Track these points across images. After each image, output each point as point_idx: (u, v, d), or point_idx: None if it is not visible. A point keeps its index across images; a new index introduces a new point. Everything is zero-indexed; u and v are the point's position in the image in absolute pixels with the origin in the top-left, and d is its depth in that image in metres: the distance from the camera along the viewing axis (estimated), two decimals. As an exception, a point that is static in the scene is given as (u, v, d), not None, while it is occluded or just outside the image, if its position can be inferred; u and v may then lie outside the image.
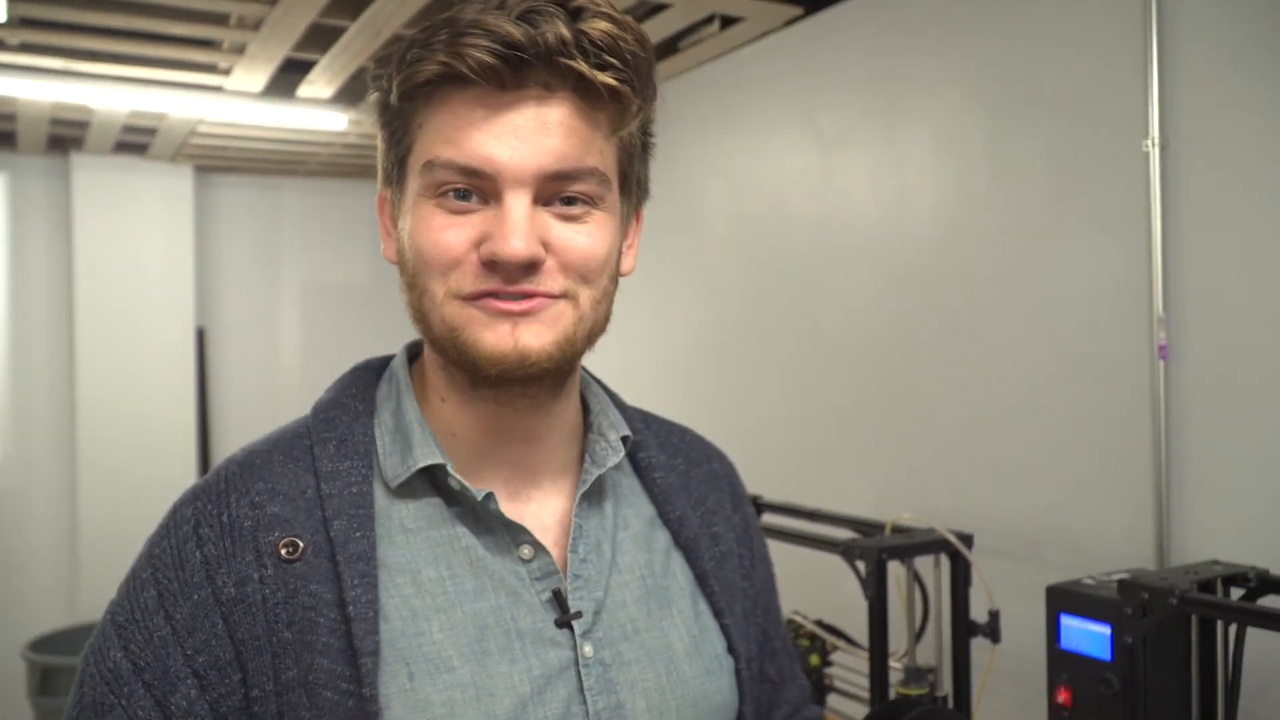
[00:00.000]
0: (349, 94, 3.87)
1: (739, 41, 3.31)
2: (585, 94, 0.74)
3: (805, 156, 3.10)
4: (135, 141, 4.65)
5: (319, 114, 3.92)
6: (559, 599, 0.78)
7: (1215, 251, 2.01)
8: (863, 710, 2.22)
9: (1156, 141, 2.08)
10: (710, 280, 3.44)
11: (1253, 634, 1.63)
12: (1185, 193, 2.05)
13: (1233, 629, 1.63)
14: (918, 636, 2.07)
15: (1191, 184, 2.04)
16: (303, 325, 5.59)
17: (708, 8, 3.01)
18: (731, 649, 0.86)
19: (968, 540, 2.03)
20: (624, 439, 0.86)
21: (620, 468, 0.88)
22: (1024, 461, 2.40)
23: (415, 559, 0.76)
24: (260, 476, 0.77)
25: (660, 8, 2.98)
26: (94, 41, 3.18)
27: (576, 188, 0.75)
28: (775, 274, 3.21)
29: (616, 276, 0.81)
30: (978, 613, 2.05)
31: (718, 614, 0.87)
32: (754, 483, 2.75)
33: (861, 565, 1.95)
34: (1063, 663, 1.70)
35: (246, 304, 5.44)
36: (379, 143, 0.81)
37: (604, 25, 0.73)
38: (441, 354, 0.78)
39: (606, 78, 0.73)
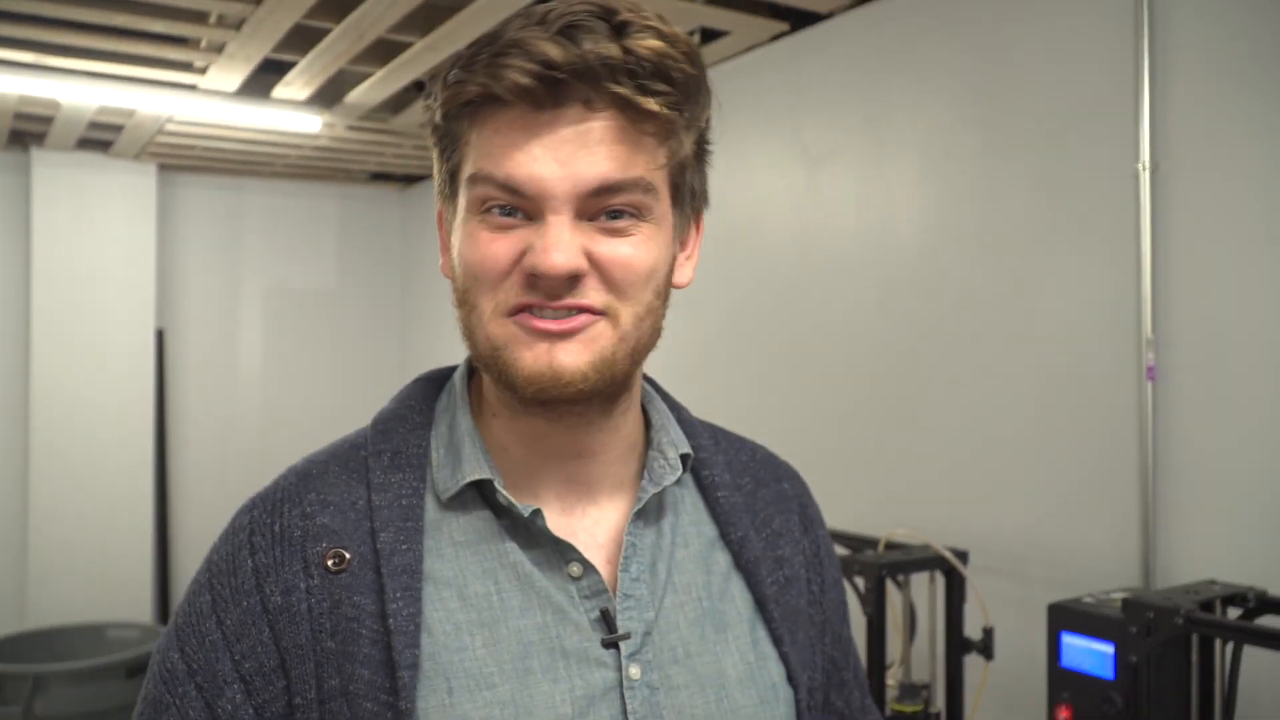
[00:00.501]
0: (325, 96, 3.82)
1: (724, 55, 3.32)
2: (630, 109, 0.72)
3: (791, 172, 3.11)
4: (99, 138, 4.54)
5: (294, 115, 3.87)
6: (607, 619, 0.76)
7: (1204, 274, 2.05)
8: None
9: (1147, 165, 2.12)
10: (695, 295, 3.42)
11: (1249, 652, 1.66)
12: (1175, 216, 2.10)
13: (1230, 647, 1.66)
14: (910, 652, 2.08)
15: (1182, 207, 2.09)
16: (264, 329, 5.50)
17: (694, 21, 3.02)
18: (791, 679, 0.83)
19: (963, 557, 2.05)
20: (684, 456, 0.84)
21: (683, 484, 0.86)
22: (1012, 479, 2.43)
23: (463, 573, 0.76)
24: (314, 487, 0.78)
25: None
26: (68, 36, 3.11)
27: (621, 200, 0.73)
28: (760, 289, 3.22)
29: (666, 290, 0.79)
30: (970, 629, 2.06)
31: (777, 641, 0.84)
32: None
33: (860, 581, 1.95)
34: (1064, 681, 1.72)
35: (208, 306, 5.33)
36: (433, 159, 0.81)
37: (651, 43, 0.71)
38: (485, 371, 0.78)
39: (653, 104, 0.72)
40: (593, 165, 0.71)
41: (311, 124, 3.97)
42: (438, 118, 0.76)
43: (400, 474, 0.78)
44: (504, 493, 0.76)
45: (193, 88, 3.64)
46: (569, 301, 0.72)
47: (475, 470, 0.77)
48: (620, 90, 0.70)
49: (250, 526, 0.78)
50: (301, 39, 3.19)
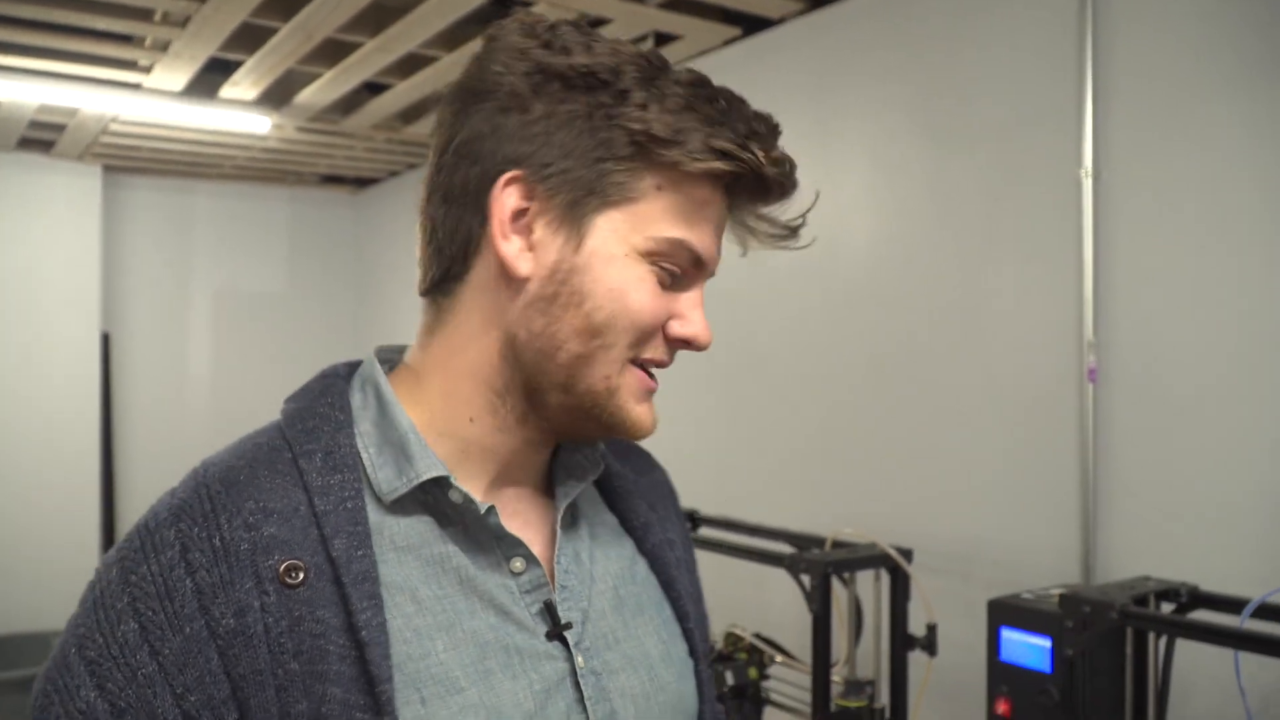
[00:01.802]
0: (273, 96, 3.78)
1: (676, 60, 3.33)
2: (745, 211, 0.82)
3: (741, 175, 3.13)
4: (41, 138, 4.45)
5: (242, 116, 3.82)
6: (551, 611, 0.77)
7: (1144, 278, 2.10)
8: (801, 724, 2.24)
9: (1089, 171, 2.16)
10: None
11: (1181, 646, 1.70)
12: (1116, 221, 2.14)
13: (1163, 641, 1.69)
14: (855, 648, 2.10)
15: (1122, 212, 2.13)
16: (214, 334, 5.42)
17: (647, 25, 3.03)
18: (693, 652, 0.89)
19: (908, 555, 2.07)
20: (599, 452, 0.87)
21: None
22: (956, 479, 2.47)
23: (410, 577, 0.73)
24: (249, 494, 0.71)
25: (599, 22, 2.98)
26: (7, 32, 3.05)
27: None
28: (711, 292, 3.23)
29: None
30: (914, 626, 2.09)
31: (682, 619, 0.89)
32: (691, 498, 2.77)
33: (806, 579, 1.97)
34: (1003, 675, 1.75)
35: (155, 309, 5.25)
36: (520, 124, 0.74)
37: (794, 178, 0.80)
38: (559, 399, 0.77)
39: (791, 240, 0.84)
40: (719, 255, 0.82)
41: (260, 125, 3.93)
42: (628, 140, 0.73)
43: (339, 475, 0.74)
44: (460, 489, 0.75)
45: (137, 87, 3.59)
46: (668, 364, 0.82)
47: (429, 468, 0.75)
48: (771, 233, 0.82)
49: (180, 542, 0.69)
50: (249, 38, 3.15)
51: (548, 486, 0.85)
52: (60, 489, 4.72)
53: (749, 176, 0.76)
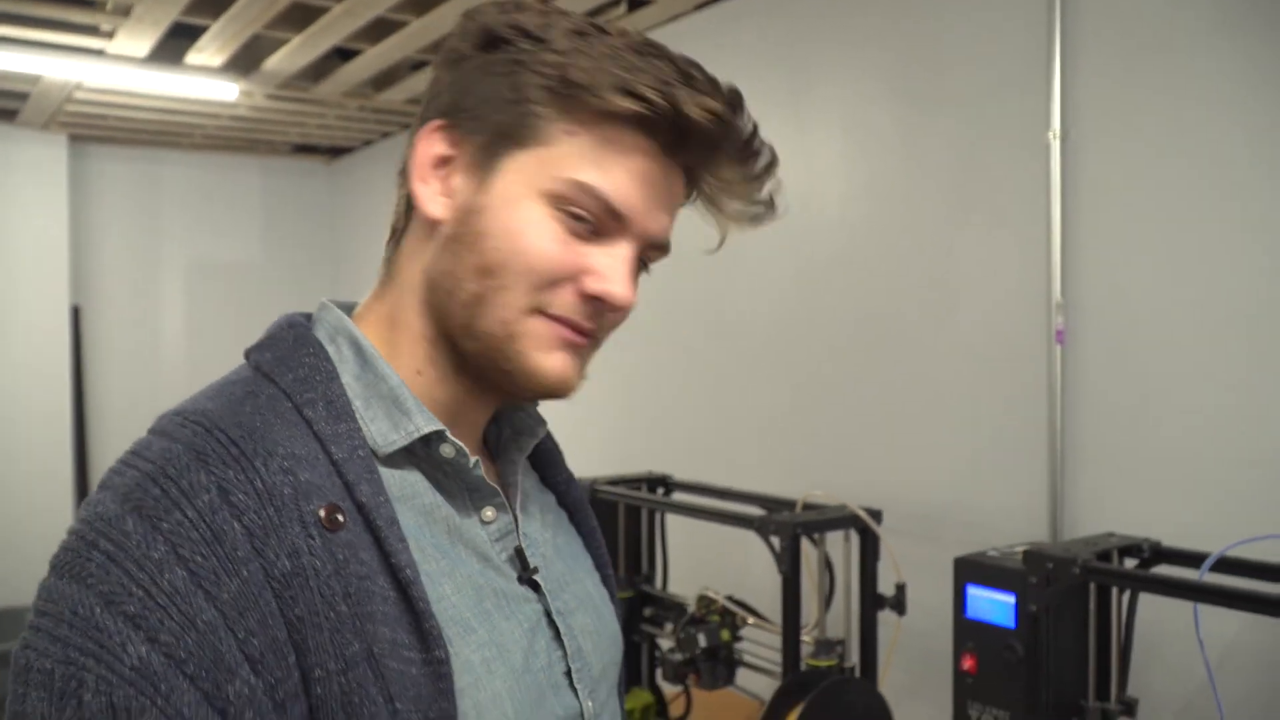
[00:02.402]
0: (241, 63, 3.73)
1: (647, 25, 3.30)
2: (692, 184, 0.80)
3: (713, 140, 3.12)
4: (4, 107, 4.38)
5: (208, 83, 3.77)
6: (521, 556, 0.81)
7: (1112, 240, 2.11)
8: (773, 683, 2.26)
9: (1058, 133, 2.16)
10: (616, 262, 3.43)
11: (1143, 600, 1.72)
12: (1084, 183, 2.15)
13: (1126, 596, 1.72)
14: (825, 609, 2.12)
15: (1090, 174, 2.14)
16: (186, 304, 5.38)
17: (618, -12, 3.01)
18: (612, 597, 0.95)
19: (877, 516, 2.08)
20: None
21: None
22: (926, 441, 2.48)
23: (409, 526, 0.74)
24: (277, 440, 0.69)
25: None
26: (-36, -4, 2.99)
27: (655, 255, 0.82)
28: (683, 259, 3.22)
29: None
30: (884, 586, 2.11)
31: (601, 566, 0.94)
32: (664, 463, 2.79)
33: (776, 541, 1.98)
34: (969, 632, 1.77)
35: (126, 281, 5.19)
36: (465, 87, 0.76)
37: (767, 165, 0.79)
38: (463, 348, 0.76)
39: (764, 218, 0.83)
40: (665, 223, 0.79)
41: (228, 92, 3.87)
42: (546, 99, 0.73)
43: (344, 424, 0.73)
44: (454, 442, 0.77)
45: (100, 53, 3.53)
46: (594, 328, 0.78)
47: (427, 423, 0.76)
48: (732, 186, 0.80)
49: (217, 485, 0.66)
50: (213, 2, 3.10)
51: (486, 444, 0.88)
52: (33, 463, 4.69)
53: (669, 123, 0.72)
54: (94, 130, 4.83)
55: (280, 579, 0.65)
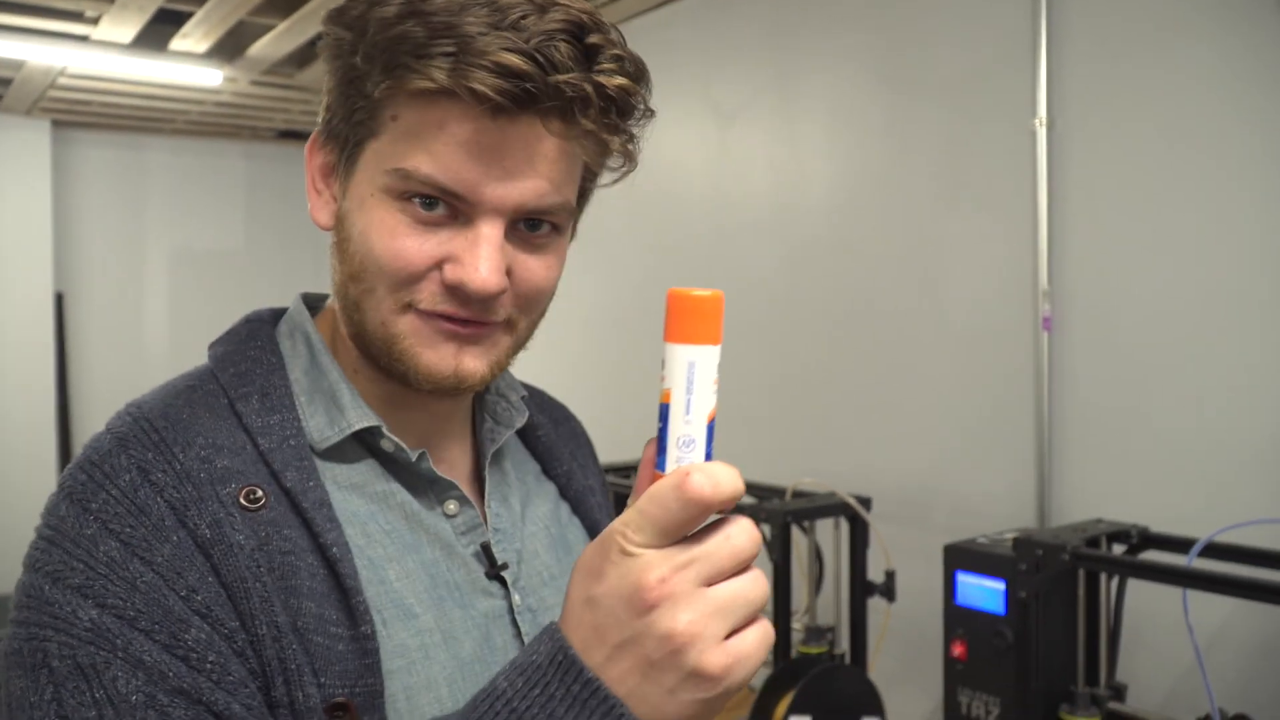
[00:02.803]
0: (225, 49, 3.70)
1: (635, 11, 3.29)
2: (573, 131, 0.70)
3: (702, 128, 3.11)
4: (-14, 92, 4.34)
5: (193, 69, 3.74)
6: (487, 551, 0.80)
7: (1097, 228, 2.12)
8: (763, 671, 2.27)
9: (1044, 121, 2.17)
10: (607, 253, 3.43)
11: (1132, 586, 1.74)
12: (1070, 171, 2.15)
13: (1115, 582, 1.73)
14: (815, 596, 2.13)
15: (1076, 162, 2.14)
16: (169, 290, 5.34)
17: (606, -26, 2.99)
18: None
19: (866, 503, 2.09)
20: (522, 398, 0.88)
21: None
22: (914, 427, 2.49)
23: (358, 512, 0.75)
24: (197, 430, 0.71)
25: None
26: (-55, -20, 2.95)
27: (548, 218, 0.73)
28: (672, 245, 3.23)
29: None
30: (874, 573, 2.12)
31: None
32: (652, 451, 2.78)
33: (767, 529, 1.99)
34: (958, 618, 1.78)
35: (109, 268, 5.16)
36: (330, 98, 0.74)
37: (621, 81, 0.69)
38: (367, 351, 0.75)
39: (616, 143, 0.72)
40: (535, 185, 0.70)
41: (212, 78, 3.84)
42: (371, 88, 0.69)
43: (277, 415, 0.74)
44: (391, 438, 0.76)
45: (85, 39, 3.50)
46: (479, 317, 0.72)
47: (361, 419, 0.76)
48: (589, 126, 0.69)
49: (136, 466, 0.68)
50: (198, -13, 3.08)
51: (476, 433, 0.87)
52: (16, 451, 4.66)
53: (465, 93, 0.66)
54: (77, 116, 4.79)
55: (205, 546, 0.66)
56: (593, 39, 0.69)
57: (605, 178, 0.80)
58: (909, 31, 2.51)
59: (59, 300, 4.91)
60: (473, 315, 0.72)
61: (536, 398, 0.98)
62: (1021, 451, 2.23)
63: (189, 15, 3.31)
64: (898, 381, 2.53)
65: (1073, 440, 2.16)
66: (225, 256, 5.51)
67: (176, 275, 5.35)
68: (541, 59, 0.66)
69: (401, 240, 0.70)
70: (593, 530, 0.92)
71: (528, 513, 0.87)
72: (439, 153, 0.69)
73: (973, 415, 2.36)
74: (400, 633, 0.72)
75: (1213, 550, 1.64)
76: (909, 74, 2.52)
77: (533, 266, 0.74)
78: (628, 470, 2.64)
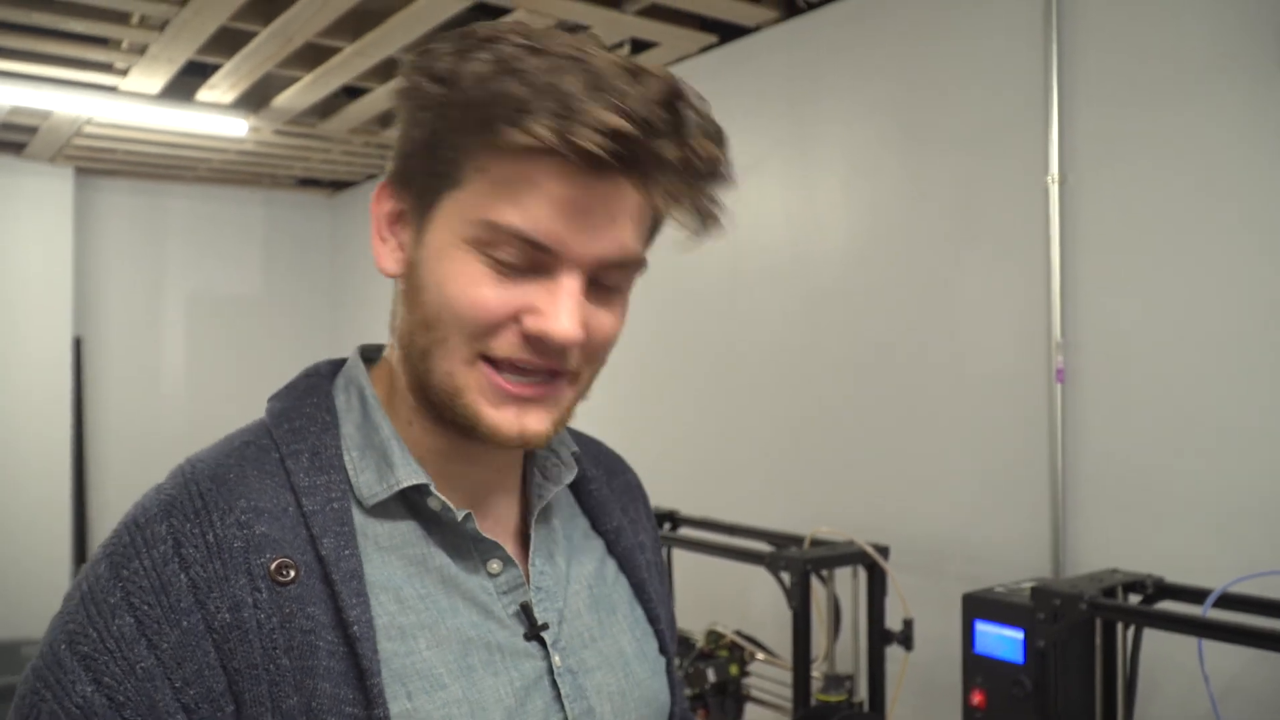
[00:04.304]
0: (250, 99, 3.79)
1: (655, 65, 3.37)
2: (656, 191, 0.71)
3: (718, 180, 3.17)
4: (12, 140, 4.43)
5: (219, 119, 3.82)
6: (527, 611, 0.79)
7: (1110, 281, 2.16)
8: (782, 718, 2.28)
9: (1056, 177, 2.22)
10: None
11: (1148, 635, 1.76)
12: (1082, 226, 2.20)
13: (1131, 631, 1.75)
14: (834, 644, 2.15)
15: (1088, 217, 2.20)
16: (188, 337, 5.40)
17: (624, 32, 3.07)
18: (664, 650, 0.91)
19: (884, 552, 2.12)
20: (573, 454, 0.87)
21: None
22: (930, 478, 2.52)
23: (393, 577, 0.75)
24: (240, 493, 0.73)
25: (575, 28, 3.01)
26: (-17, 35, 3.04)
27: (623, 275, 0.75)
28: (690, 294, 3.28)
29: None
30: (891, 621, 2.14)
31: (653, 620, 0.91)
32: (671, 498, 2.82)
33: (786, 577, 2.01)
34: (977, 666, 1.80)
35: (129, 313, 5.22)
36: (403, 143, 0.75)
37: (711, 150, 0.72)
38: (427, 400, 0.76)
39: (707, 206, 0.73)
40: (616, 240, 0.72)
41: (238, 128, 3.93)
42: (466, 142, 0.70)
43: (325, 476, 0.75)
44: (439, 497, 0.77)
45: (113, 89, 3.58)
46: (555, 365, 0.73)
47: (410, 476, 0.76)
48: (675, 188, 0.71)
49: (173, 537, 0.70)
50: (227, 41, 3.16)
51: (525, 488, 0.87)
52: (31, 497, 4.68)
53: (569, 149, 0.67)
54: (100, 163, 4.88)
55: (220, 630, 0.68)
56: (683, 107, 0.71)
57: (690, 238, 0.79)
58: (922, 90, 2.58)
59: (77, 345, 4.96)
60: (546, 364, 0.73)
61: (592, 449, 0.98)
62: (1036, 501, 2.26)
63: (216, 67, 3.40)
64: (914, 431, 2.57)
65: (1087, 490, 2.19)
66: (243, 302, 5.57)
67: (194, 320, 5.41)
68: (642, 122, 0.68)
69: (482, 290, 0.71)
70: (638, 589, 0.91)
71: (572, 571, 0.86)
72: (530, 207, 0.70)
73: (988, 465, 2.39)
74: (426, 705, 0.72)
75: (1227, 601, 1.67)
76: (924, 127, 2.58)
77: (604, 319, 0.75)
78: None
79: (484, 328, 0.72)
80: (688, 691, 2.25)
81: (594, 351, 0.76)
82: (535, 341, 0.72)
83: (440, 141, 0.72)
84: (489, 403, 0.73)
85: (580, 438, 0.97)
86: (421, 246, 0.74)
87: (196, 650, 0.67)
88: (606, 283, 0.75)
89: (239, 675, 0.68)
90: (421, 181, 0.74)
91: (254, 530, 0.71)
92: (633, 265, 0.75)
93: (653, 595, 0.91)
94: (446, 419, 0.75)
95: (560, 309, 0.71)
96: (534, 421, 0.74)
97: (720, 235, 0.77)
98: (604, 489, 0.94)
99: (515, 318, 0.72)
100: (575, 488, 0.92)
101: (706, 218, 0.75)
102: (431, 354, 0.74)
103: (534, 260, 0.71)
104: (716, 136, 0.73)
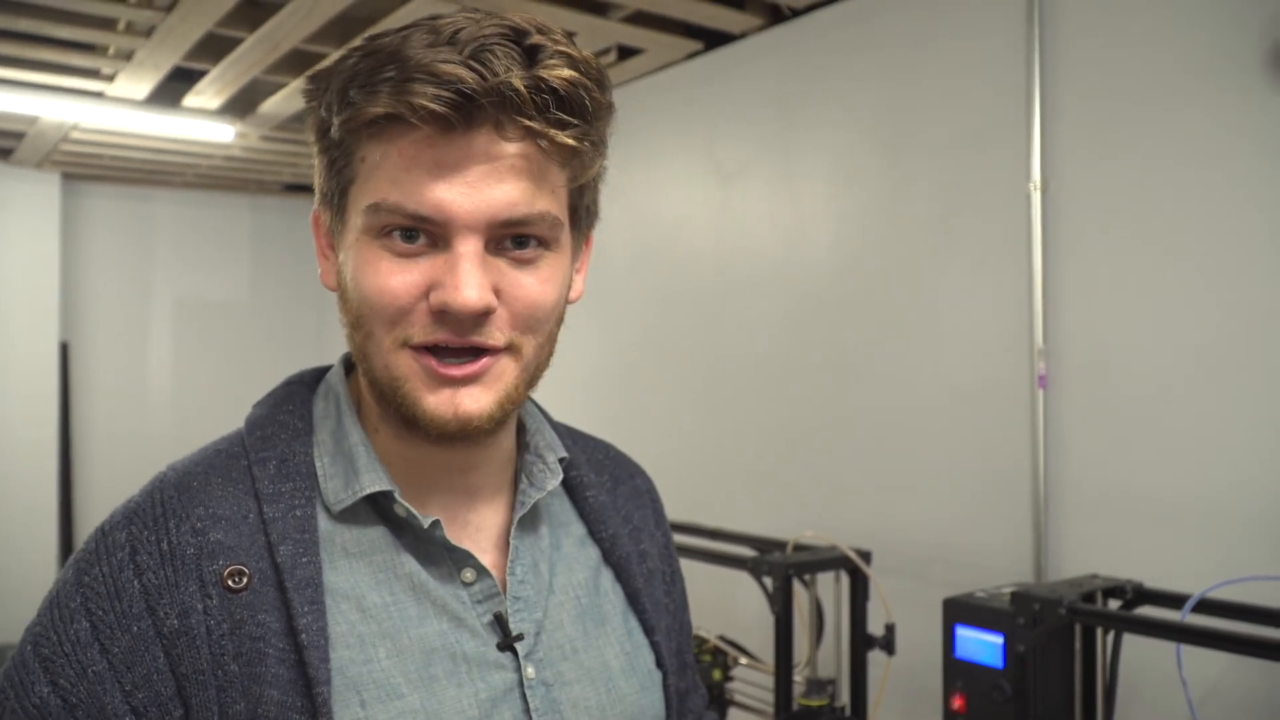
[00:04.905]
0: (237, 105, 3.79)
1: (639, 73, 3.39)
2: (539, 137, 0.70)
3: (704, 187, 3.19)
4: (-1, 145, 4.42)
5: (205, 125, 3.82)
6: (500, 622, 0.78)
7: (1091, 288, 2.18)
8: (764, 723, 2.28)
9: (1038, 184, 2.24)
10: (610, 307, 3.49)
11: (1127, 640, 1.77)
12: (1064, 233, 2.22)
13: (1111, 636, 1.76)
14: (816, 648, 2.15)
15: (1070, 225, 2.21)
16: (175, 342, 5.38)
17: (610, 38, 3.08)
18: (660, 664, 0.88)
19: (866, 557, 2.13)
20: (560, 460, 0.86)
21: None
22: (913, 483, 2.53)
23: (359, 584, 0.75)
24: (200, 501, 0.74)
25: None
26: (-32, 40, 3.03)
27: (528, 231, 0.72)
28: (675, 301, 3.29)
29: (563, 315, 0.80)
30: (874, 626, 2.14)
31: (648, 631, 0.88)
32: (654, 503, 2.82)
33: (769, 581, 2.02)
34: (958, 671, 1.80)
35: (116, 318, 5.20)
36: (316, 163, 0.77)
37: (565, 73, 0.69)
38: (383, 399, 0.76)
39: (565, 137, 0.70)
40: (503, 195, 0.70)
41: (224, 133, 3.92)
42: (334, 132, 0.71)
43: (290, 483, 0.76)
44: (404, 504, 0.76)
45: (100, 95, 3.58)
46: (474, 341, 0.72)
47: (374, 482, 0.76)
48: (532, 124, 0.69)
49: (130, 544, 0.72)
50: (214, 47, 3.16)
51: (514, 494, 0.85)
52: (17, 501, 4.66)
53: (410, 112, 0.67)
54: (87, 169, 4.87)
55: (169, 636, 0.69)
56: (533, 40, 0.69)
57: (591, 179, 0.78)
58: (906, 98, 2.60)
59: (64, 350, 4.95)
60: (467, 341, 0.71)
61: (597, 454, 0.96)
62: (1018, 506, 2.27)
63: (202, 73, 3.39)
64: (897, 437, 2.58)
65: (1068, 495, 2.20)
66: (230, 307, 5.56)
67: (181, 326, 5.40)
68: (478, 65, 0.67)
69: (385, 276, 0.71)
70: (633, 599, 0.89)
71: (556, 580, 0.84)
72: (401, 179, 0.69)
73: (970, 470, 2.40)
74: (380, 714, 0.72)
75: (1206, 606, 1.68)
76: (908, 134, 2.59)
77: (524, 283, 0.73)
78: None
79: (396, 313, 0.71)
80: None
81: (523, 319, 0.74)
82: (444, 316, 0.70)
83: (331, 145, 0.73)
84: (426, 388, 0.72)
85: (585, 441, 0.96)
86: (341, 251, 0.76)
87: (146, 655, 0.69)
88: (519, 246, 0.72)
89: (187, 680, 0.69)
90: (330, 189, 0.76)
91: (208, 537, 0.72)
92: (537, 221, 0.72)
93: (648, 605, 0.89)
94: (403, 416, 0.74)
95: (459, 278, 0.69)
96: (469, 401, 0.73)
97: (604, 168, 0.77)
98: (602, 495, 0.91)
99: (424, 297, 0.71)
100: (572, 494, 0.90)
101: (594, 154, 0.74)
102: (368, 352, 0.74)
103: (430, 237, 0.71)
104: (579, 64, 0.70)
